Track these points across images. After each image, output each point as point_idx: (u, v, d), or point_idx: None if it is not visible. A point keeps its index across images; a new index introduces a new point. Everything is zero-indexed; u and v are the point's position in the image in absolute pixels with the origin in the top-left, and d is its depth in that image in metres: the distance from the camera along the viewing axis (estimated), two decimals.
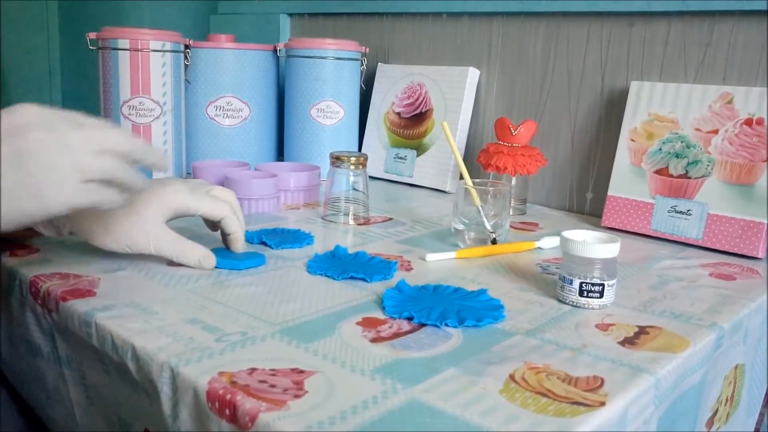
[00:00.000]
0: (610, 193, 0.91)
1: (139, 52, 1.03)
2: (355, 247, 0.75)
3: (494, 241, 0.76)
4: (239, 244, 0.67)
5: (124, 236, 0.62)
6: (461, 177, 0.80)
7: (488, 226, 0.76)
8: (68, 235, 0.66)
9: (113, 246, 0.63)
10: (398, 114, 1.19)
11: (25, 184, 0.47)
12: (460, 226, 0.78)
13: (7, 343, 0.67)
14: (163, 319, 0.53)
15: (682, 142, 0.85)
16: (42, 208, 0.48)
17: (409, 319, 0.55)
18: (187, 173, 1.12)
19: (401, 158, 1.17)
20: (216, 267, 0.65)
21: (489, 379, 0.45)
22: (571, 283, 0.59)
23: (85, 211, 0.55)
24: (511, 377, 0.45)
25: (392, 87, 1.21)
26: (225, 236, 0.68)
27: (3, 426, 0.72)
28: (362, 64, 1.19)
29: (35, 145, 0.47)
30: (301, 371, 0.45)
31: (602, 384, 0.45)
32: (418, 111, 1.16)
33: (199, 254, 0.65)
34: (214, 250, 0.67)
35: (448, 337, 0.52)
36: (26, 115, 0.48)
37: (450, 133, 0.82)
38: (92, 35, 1.06)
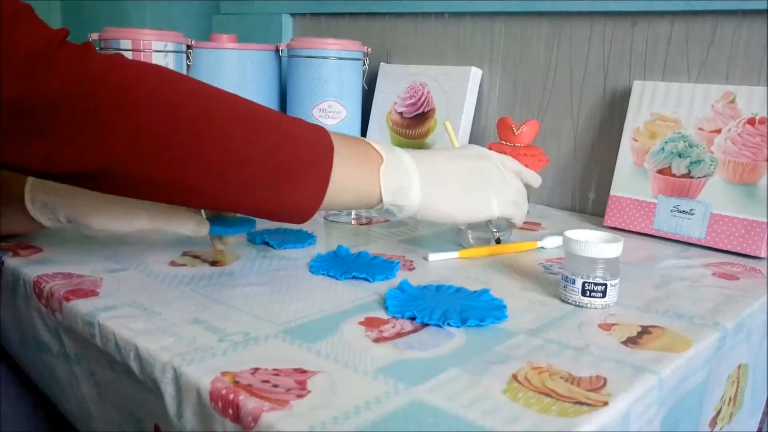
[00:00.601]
0: (612, 192, 0.90)
1: (141, 53, 1.03)
2: (358, 247, 0.75)
3: (498, 241, 0.76)
4: None
5: (119, 214, 0.63)
6: None
7: (492, 225, 0.76)
8: (66, 223, 0.66)
9: (110, 225, 0.63)
10: (400, 114, 1.19)
11: (479, 190, 0.66)
12: (463, 226, 0.77)
13: (19, 339, 0.67)
14: (165, 319, 0.53)
15: (684, 141, 0.85)
16: (486, 209, 0.67)
17: (412, 319, 0.55)
18: None
19: None
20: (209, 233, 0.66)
21: (492, 378, 0.45)
22: (573, 283, 0.59)
23: (79, 197, 0.62)
24: (514, 377, 0.45)
25: (394, 87, 1.21)
26: None
27: (17, 421, 0.73)
28: (364, 64, 1.19)
29: (485, 169, 0.67)
30: (304, 371, 0.45)
31: (605, 384, 0.45)
32: (420, 111, 1.16)
33: (193, 222, 0.65)
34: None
35: (450, 337, 0.52)
36: (474, 150, 0.69)
37: (452, 132, 0.82)
38: (94, 36, 1.06)
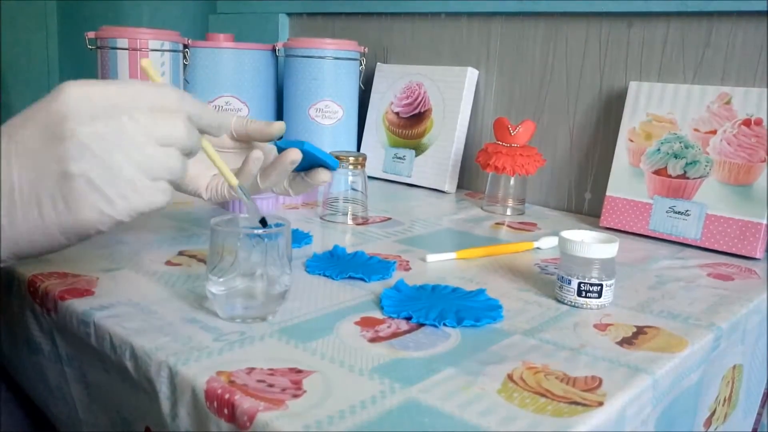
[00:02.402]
0: (608, 193, 0.91)
1: (138, 52, 1.03)
2: (354, 246, 0.75)
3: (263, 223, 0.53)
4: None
5: None
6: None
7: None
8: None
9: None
10: (397, 114, 1.19)
11: (79, 190, 0.38)
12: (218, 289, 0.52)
13: (8, 341, 0.67)
14: (161, 318, 0.53)
15: (680, 142, 0.85)
16: (101, 216, 0.40)
17: (408, 318, 0.55)
18: None
19: (400, 158, 1.17)
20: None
21: (487, 379, 0.45)
22: (569, 283, 0.59)
23: None
24: (509, 377, 0.45)
25: (391, 87, 1.21)
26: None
27: (5, 423, 0.72)
28: (361, 64, 1.19)
29: (88, 141, 0.38)
30: (300, 371, 0.45)
31: (600, 384, 0.45)
32: (416, 111, 1.16)
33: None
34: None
35: (446, 337, 0.52)
36: (71, 102, 0.38)
37: (153, 71, 0.51)
38: (91, 34, 1.06)
